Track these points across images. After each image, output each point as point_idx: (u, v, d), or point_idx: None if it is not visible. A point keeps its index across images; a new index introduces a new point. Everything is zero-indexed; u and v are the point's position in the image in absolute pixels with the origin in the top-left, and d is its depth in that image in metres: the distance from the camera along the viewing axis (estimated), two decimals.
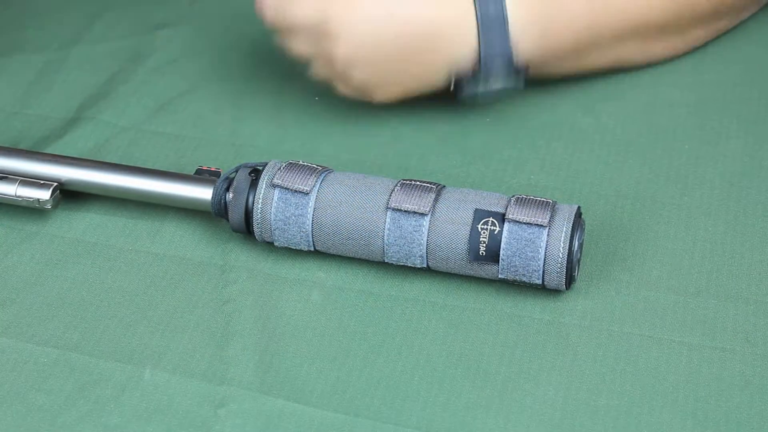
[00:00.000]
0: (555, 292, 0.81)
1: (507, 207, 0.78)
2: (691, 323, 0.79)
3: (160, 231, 0.86)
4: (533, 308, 0.80)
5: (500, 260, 0.78)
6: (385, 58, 0.85)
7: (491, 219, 0.78)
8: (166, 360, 0.78)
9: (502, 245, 0.77)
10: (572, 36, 0.88)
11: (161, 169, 0.87)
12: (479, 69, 0.86)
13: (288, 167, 0.82)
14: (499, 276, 0.79)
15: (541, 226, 0.77)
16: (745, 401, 0.74)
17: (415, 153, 0.91)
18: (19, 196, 0.85)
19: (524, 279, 0.78)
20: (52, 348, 0.79)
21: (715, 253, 0.83)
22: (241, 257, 0.84)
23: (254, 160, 0.91)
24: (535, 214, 0.77)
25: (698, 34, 0.94)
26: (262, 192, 0.81)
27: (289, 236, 0.81)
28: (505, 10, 0.84)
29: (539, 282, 0.78)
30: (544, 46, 0.87)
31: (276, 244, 0.82)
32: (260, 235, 0.82)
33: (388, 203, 0.80)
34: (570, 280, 0.79)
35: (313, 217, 0.81)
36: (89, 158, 0.89)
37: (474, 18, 0.84)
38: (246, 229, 0.83)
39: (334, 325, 0.80)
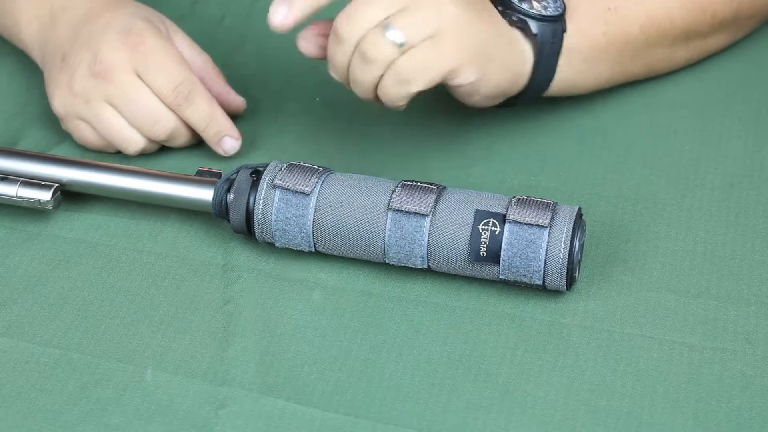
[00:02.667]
0: (556, 293, 0.81)
1: (508, 208, 0.78)
2: (692, 324, 0.79)
3: (161, 232, 0.86)
4: (534, 309, 0.80)
5: (501, 261, 0.78)
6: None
7: (492, 220, 0.78)
8: (167, 360, 0.78)
9: (503, 246, 0.78)
10: (610, 57, 0.89)
11: (162, 170, 0.87)
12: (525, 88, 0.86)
13: (289, 168, 0.82)
14: (500, 277, 0.79)
15: (542, 226, 0.77)
16: (746, 402, 0.74)
17: (415, 153, 0.91)
18: (20, 197, 0.85)
19: (525, 280, 0.78)
20: (53, 348, 0.79)
21: (716, 254, 0.83)
22: (242, 258, 0.84)
23: (255, 161, 0.91)
24: (536, 214, 0.77)
25: (719, 40, 0.95)
26: (263, 193, 0.81)
27: (290, 237, 0.81)
28: (561, 45, 0.85)
29: (540, 283, 0.78)
30: (583, 69, 0.88)
31: (277, 244, 0.82)
32: (261, 235, 0.82)
33: (389, 204, 0.80)
34: (571, 280, 0.79)
35: (314, 218, 0.81)
36: (90, 159, 0.89)
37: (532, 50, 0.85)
38: (247, 230, 0.83)
39: (335, 325, 0.80)
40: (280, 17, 0.79)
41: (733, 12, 0.92)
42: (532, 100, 0.88)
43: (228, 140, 0.90)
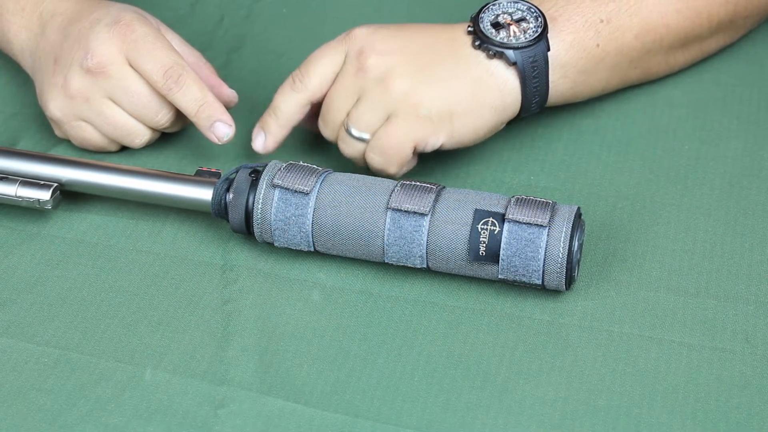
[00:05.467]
0: (555, 292, 0.81)
1: (507, 207, 0.78)
2: (691, 324, 0.79)
3: (160, 231, 0.86)
4: (533, 309, 0.80)
5: (500, 260, 0.78)
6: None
7: (491, 219, 0.78)
8: (166, 360, 0.78)
9: (502, 245, 0.78)
10: (606, 66, 0.89)
11: (161, 170, 0.87)
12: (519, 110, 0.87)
13: (288, 168, 0.82)
14: (499, 276, 0.79)
15: (541, 226, 0.77)
16: (745, 402, 0.74)
17: None
18: (19, 197, 0.85)
19: (524, 279, 0.78)
20: (53, 348, 0.79)
21: (715, 254, 0.83)
22: (241, 257, 0.84)
23: (254, 161, 0.91)
24: (535, 214, 0.78)
25: (717, 41, 0.95)
26: (263, 192, 0.81)
27: (289, 236, 0.81)
28: (548, 64, 0.85)
29: (539, 282, 0.78)
30: (579, 81, 0.88)
31: (276, 244, 0.82)
32: (260, 235, 0.82)
33: (388, 203, 0.80)
34: (570, 280, 0.79)
35: (313, 218, 0.81)
36: (90, 159, 0.89)
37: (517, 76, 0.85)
38: (246, 230, 0.83)
39: (334, 325, 0.80)
40: (260, 145, 0.89)
41: (730, 14, 0.92)
42: (536, 113, 0.89)
43: (220, 126, 0.88)
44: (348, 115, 0.85)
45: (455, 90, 0.84)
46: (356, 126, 0.85)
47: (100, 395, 0.76)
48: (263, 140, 0.88)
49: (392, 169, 0.85)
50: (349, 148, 0.86)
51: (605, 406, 0.74)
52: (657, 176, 0.89)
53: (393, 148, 0.84)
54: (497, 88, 0.84)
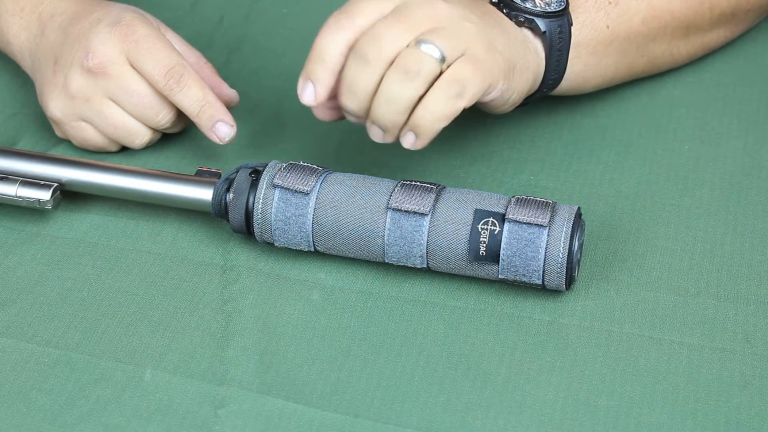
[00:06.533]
0: (555, 292, 0.81)
1: (507, 207, 0.78)
2: (691, 324, 0.79)
3: (160, 231, 0.86)
4: (533, 309, 0.80)
5: (500, 260, 0.78)
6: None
7: (491, 219, 0.78)
8: (166, 360, 0.78)
9: (503, 245, 0.78)
10: (614, 50, 0.89)
11: (161, 170, 0.87)
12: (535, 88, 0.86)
13: (288, 168, 0.82)
14: (499, 276, 0.79)
15: (542, 226, 0.77)
16: (745, 402, 0.74)
17: (415, 153, 0.91)
18: (19, 197, 0.85)
19: (524, 279, 0.78)
20: (53, 348, 0.79)
21: (715, 254, 0.83)
22: (241, 257, 0.84)
23: (254, 160, 0.91)
24: (536, 214, 0.78)
25: (718, 35, 0.95)
26: (263, 192, 0.81)
27: (290, 236, 0.81)
28: (570, 39, 0.85)
29: (539, 282, 0.78)
30: (590, 63, 0.88)
31: (276, 244, 0.82)
32: (260, 235, 0.82)
33: (388, 203, 0.80)
34: (570, 280, 0.79)
35: (313, 218, 0.81)
36: (90, 159, 0.89)
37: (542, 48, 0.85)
38: (246, 230, 0.83)
39: (335, 325, 0.80)
40: (310, 97, 0.79)
41: (732, 6, 0.92)
42: (541, 99, 0.88)
43: (222, 126, 0.88)
44: (419, 37, 0.77)
45: (513, 42, 0.82)
46: (436, 44, 0.76)
47: (100, 395, 0.76)
48: (312, 91, 0.79)
49: (463, 102, 0.77)
50: (420, 64, 0.76)
51: (605, 406, 0.74)
52: (657, 176, 0.89)
53: (475, 77, 0.77)
54: (534, 54, 0.84)
